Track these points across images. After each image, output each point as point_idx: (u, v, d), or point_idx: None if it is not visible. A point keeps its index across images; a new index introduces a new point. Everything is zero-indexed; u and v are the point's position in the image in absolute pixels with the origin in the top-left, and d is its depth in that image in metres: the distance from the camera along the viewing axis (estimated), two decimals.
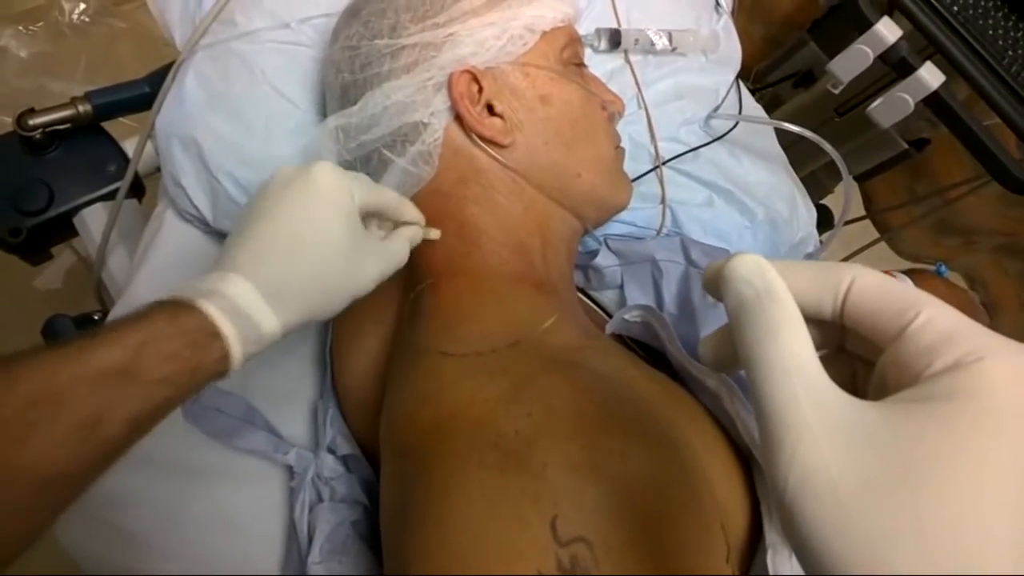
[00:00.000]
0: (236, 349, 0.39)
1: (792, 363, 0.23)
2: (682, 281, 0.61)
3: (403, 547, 0.40)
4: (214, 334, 0.38)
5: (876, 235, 1.41)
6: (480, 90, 0.55)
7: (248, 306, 0.40)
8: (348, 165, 0.60)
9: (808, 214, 0.77)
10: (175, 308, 0.38)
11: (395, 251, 0.50)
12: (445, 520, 0.37)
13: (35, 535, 0.33)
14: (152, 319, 0.37)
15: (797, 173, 0.90)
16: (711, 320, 0.57)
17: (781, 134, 0.85)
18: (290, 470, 0.57)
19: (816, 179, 1.40)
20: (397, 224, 0.52)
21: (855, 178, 1.51)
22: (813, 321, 0.26)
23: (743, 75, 0.86)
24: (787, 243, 0.74)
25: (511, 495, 0.36)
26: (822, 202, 1.46)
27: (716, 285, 0.27)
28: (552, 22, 0.58)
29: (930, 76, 0.85)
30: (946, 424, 0.21)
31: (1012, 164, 0.86)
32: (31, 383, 0.32)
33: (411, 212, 0.52)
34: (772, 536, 0.42)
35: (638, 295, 0.62)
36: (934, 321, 0.23)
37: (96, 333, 0.36)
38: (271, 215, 0.44)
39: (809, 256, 0.77)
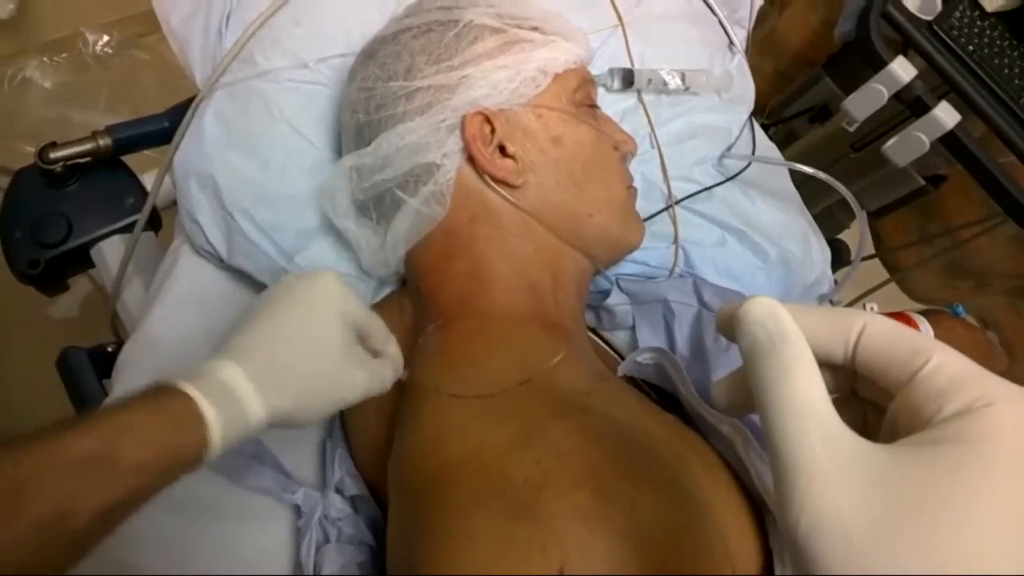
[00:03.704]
0: (216, 435, 0.37)
1: (805, 405, 0.23)
2: (694, 324, 0.61)
3: None
4: (196, 417, 0.37)
5: (887, 276, 1.40)
6: (492, 131, 0.56)
7: (235, 389, 0.39)
8: (361, 205, 0.61)
9: (822, 254, 0.77)
10: (158, 393, 0.37)
11: (383, 373, 0.48)
12: (451, 568, 0.37)
13: None
14: (132, 405, 0.36)
15: (812, 208, 0.90)
16: (723, 364, 0.56)
17: (796, 171, 0.85)
18: (298, 510, 0.57)
19: (832, 214, 1.39)
20: (377, 353, 0.50)
21: (871, 214, 1.50)
22: (825, 365, 0.26)
23: (756, 110, 0.86)
24: (800, 284, 0.73)
25: (518, 544, 0.36)
26: (838, 237, 1.46)
27: (730, 327, 0.28)
28: (564, 64, 0.59)
29: (945, 115, 0.84)
30: (956, 468, 0.21)
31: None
32: None
33: (394, 348, 0.51)
34: None
35: (650, 336, 0.62)
36: (944, 367, 0.24)
37: (73, 421, 0.34)
38: (272, 309, 0.44)
39: (823, 297, 0.76)
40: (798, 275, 0.73)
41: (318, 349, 0.44)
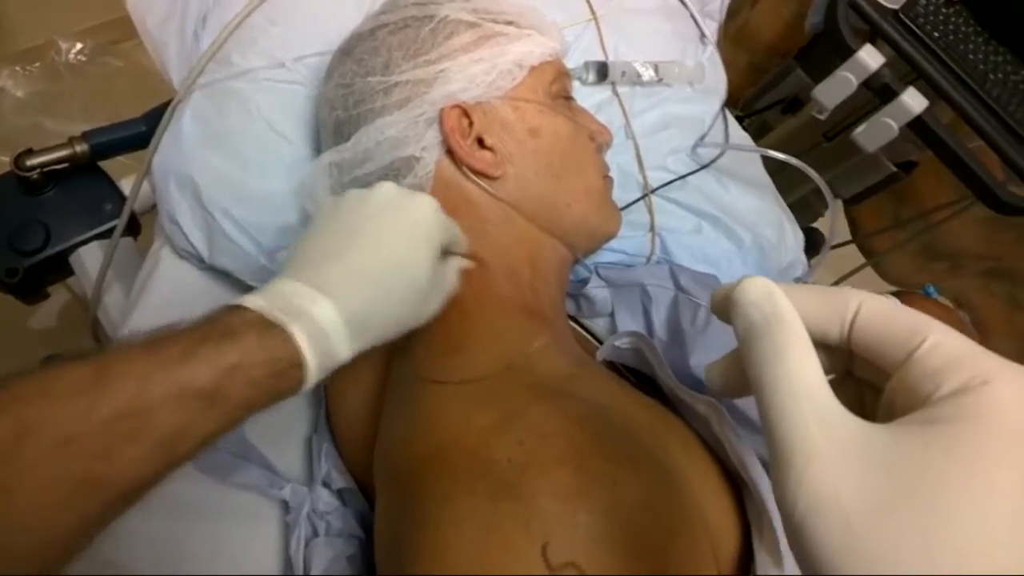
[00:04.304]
0: (313, 377, 0.39)
1: (801, 385, 0.23)
2: (671, 307, 0.62)
3: None
4: (298, 364, 0.38)
5: (863, 260, 1.43)
6: (471, 124, 0.56)
7: (333, 336, 0.39)
8: None
9: (796, 239, 0.79)
10: (266, 329, 0.37)
11: (449, 281, 0.49)
12: (439, 553, 0.37)
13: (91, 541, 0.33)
14: (243, 339, 0.36)
15: (787, 197, 0.92)
16: (700, 345, 0.57)
17: (770, 160, 0.87)
18: (286, 505, 0.57)
19: (807, 203, 1.41)
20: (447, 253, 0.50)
21: (846, 201, 1.53)
22: (821, 346, 0.26)
23: (730, 102, 0.88)
24: (775, 268, 0.75)
25: (503, 524, 0.36)
26: (813, 225, 1.48)
27: (725, 309, 0.28)
28: (540, 57, 0.60)
29: (913, 101, 0.86)
30: (953, 446, 0.21)
31: (996, 185, 0.88)
32: (119, 396, 0.32)
33: (464, 242, 0.52)
34: (762, 556, 0.42)
35: (628, 321, 0.63)
36: (941, 346, 0.24)
37: (188, 344, 0.35)
38: (371, 238, 0.44)
39: (798, 280, 0.78)
40: (772, 260, 0.74)
41: (411, 290, 0.44)
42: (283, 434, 0.61)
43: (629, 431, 0.44)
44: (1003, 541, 0.20)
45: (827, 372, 0.25)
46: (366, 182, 0.58)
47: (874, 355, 0.26)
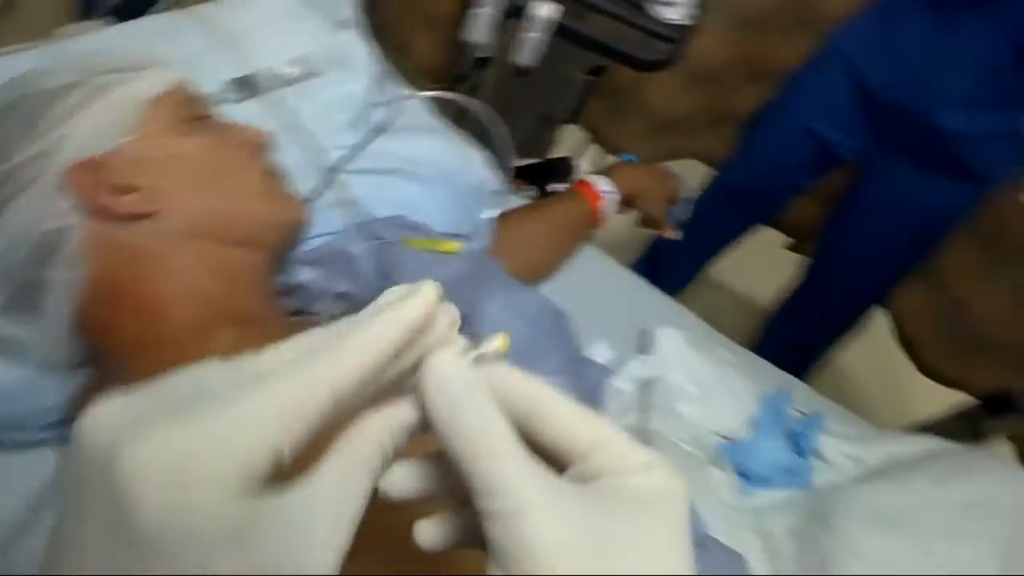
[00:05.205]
0: None
1: (501, 447, 0.25)
2: (373, 257, 0.65)
3: None
4: None
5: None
6: (107, 177, 0.56)
7: None
8: (6, 304, 0.57)
9: (480, 158, 0.84)
10: None
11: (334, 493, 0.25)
12: None
13: None
14: None
15: (513, 138, 0.97)
16: (400, 275, 0.60)
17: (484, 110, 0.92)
18: None
19: (537, 138, 1.51)
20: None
21: (568, 120, 1.65)
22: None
23: (442, 79, 0.92)
24: (466, 188, 0.80)
25: None
26: (563, 156, 1.60)
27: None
28: (155, 89, 0.60)
29: (544, 11, 0.95)
30: (619, 507, 0.25)
31: (634, 50, 0.99)
32: None
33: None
34: None
35: (345, 288, 0.65)
36: (592, 447, 0.26)
37: None
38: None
39: (498, 193, 0.84)
40: (461, 183, 0.79)
41: None
42: None
43: None
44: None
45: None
46: (22, 273, 0.56)
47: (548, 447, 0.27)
